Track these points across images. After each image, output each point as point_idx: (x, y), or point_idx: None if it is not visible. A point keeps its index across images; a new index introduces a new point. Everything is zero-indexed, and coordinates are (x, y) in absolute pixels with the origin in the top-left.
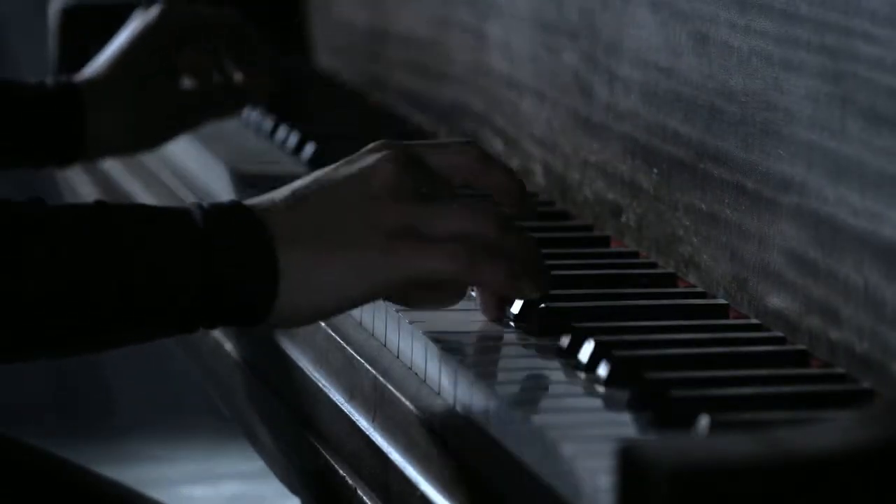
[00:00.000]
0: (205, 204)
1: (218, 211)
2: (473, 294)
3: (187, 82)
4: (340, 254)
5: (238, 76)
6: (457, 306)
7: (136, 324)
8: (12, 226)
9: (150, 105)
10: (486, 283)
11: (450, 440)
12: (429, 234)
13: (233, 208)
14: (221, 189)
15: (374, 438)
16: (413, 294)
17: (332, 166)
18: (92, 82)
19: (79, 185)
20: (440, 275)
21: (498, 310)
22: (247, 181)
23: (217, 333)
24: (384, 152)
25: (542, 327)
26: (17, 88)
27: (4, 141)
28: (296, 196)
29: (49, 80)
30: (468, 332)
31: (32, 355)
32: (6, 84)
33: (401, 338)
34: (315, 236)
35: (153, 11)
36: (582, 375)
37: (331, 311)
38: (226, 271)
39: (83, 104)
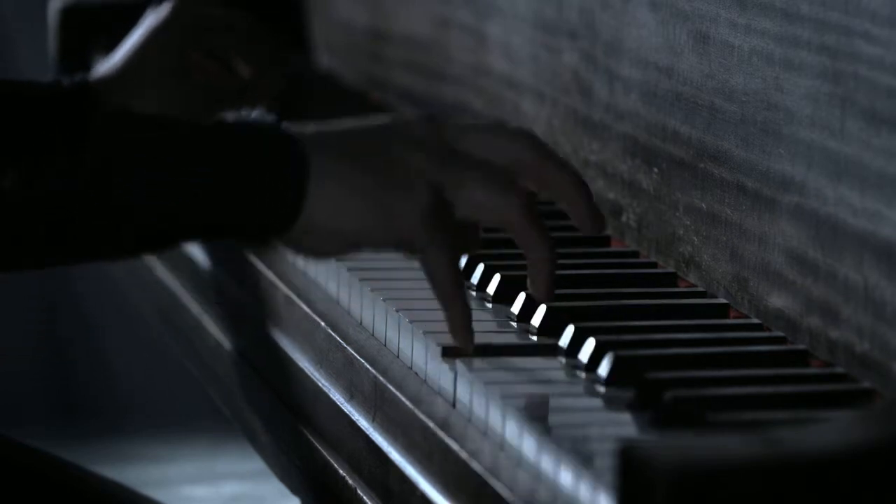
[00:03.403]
0: (240, 123)
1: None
2: (473, 294)
3: (199, 81)
4: (369, 185)
5: (249, 75)
6: None
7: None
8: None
9: (163, 103)
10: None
11: (450, 440)
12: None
13: (267, 129)
14: None
15: (374, 438)
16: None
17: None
18: (106, 81)
19: None
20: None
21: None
22: None
23: (217, 333)
24: (422, 118)
25: (542, 327)
26: (33, 88)
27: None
28: (328, 129)
29: (65, 79)
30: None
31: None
32: (21, 84)
33: (401, 338)
34: (346, 160)
35: (165, 10)
36: (582, 375)
37: (350, 241)
38: (256, 173)
39: (98, 103)
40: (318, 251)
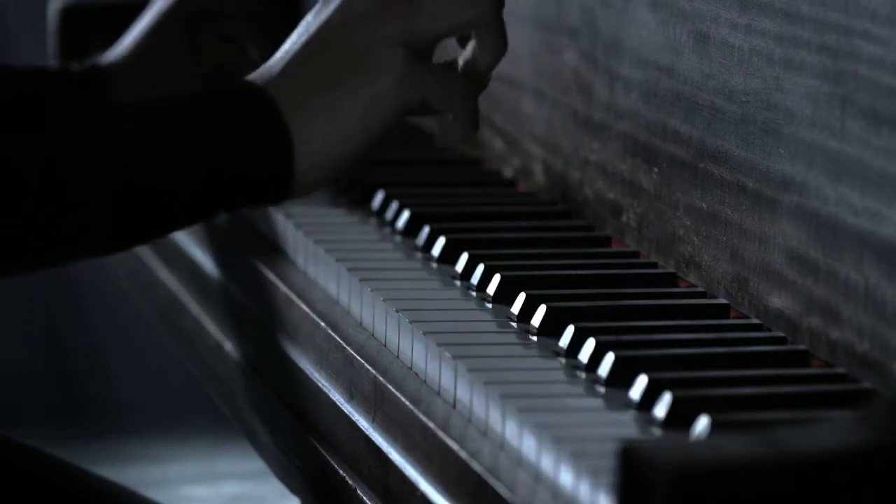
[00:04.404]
0: (220, 96)
1: (232, 99)
2: (473, 294)
3: (210, 66)
4: (347, 96)
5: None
6: (457, 307)
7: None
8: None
9: (173, 88)
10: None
11: (449, 440)
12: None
13: (243, 93)
14: None
15: (374, 438)
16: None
17: (314, 10)
18: (116, 66)
19: None
20: (449, 85)
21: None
22: None
23: (217, 333)
24: None
25: (542, 327)
26: (42, 74)
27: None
28: (290, 58)
29: (74, 65)
30: (468, 332)
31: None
32: (31, 71)
33: (401, 338)
34: (316, 90)
35: None
36: (582, 375)
37: (357, 148)
38: (242, 155)
39: (108, 88)
40: (336, 171)
